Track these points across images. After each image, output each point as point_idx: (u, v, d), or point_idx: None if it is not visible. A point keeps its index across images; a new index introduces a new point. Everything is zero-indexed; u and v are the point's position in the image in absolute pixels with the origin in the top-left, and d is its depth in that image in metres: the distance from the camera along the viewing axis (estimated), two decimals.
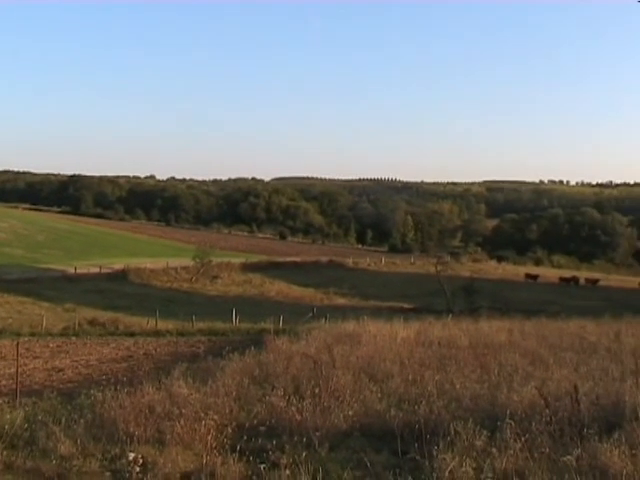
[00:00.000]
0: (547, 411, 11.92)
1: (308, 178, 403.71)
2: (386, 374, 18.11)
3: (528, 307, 67.82)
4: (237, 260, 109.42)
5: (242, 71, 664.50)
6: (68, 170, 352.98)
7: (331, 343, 23.83)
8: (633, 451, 9.82)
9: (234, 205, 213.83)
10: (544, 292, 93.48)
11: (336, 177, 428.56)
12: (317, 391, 14.58)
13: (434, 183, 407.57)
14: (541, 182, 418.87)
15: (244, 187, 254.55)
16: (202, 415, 12.65)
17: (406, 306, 72.26)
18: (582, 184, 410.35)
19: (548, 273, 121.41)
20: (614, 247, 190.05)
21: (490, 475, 9.16)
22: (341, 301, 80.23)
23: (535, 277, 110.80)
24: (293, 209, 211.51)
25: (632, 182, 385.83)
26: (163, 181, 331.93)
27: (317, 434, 11.85)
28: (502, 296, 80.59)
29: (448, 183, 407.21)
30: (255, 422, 13.00)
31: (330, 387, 15.13)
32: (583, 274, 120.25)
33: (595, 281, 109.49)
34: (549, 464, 9.74)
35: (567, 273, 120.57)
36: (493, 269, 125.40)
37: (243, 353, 23.29)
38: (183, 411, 13.07)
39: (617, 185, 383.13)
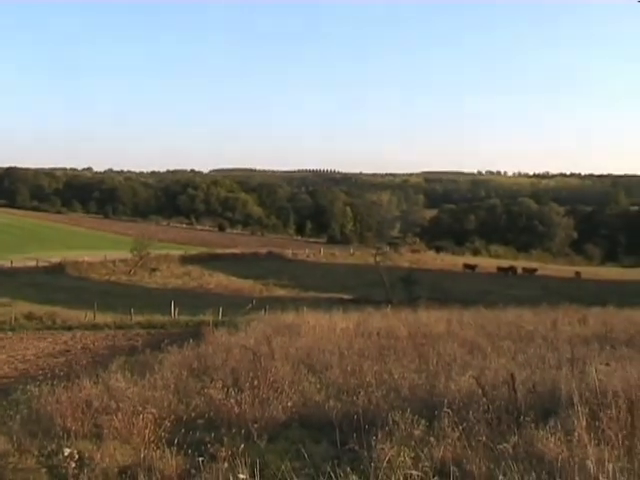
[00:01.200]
0: (484, 400, 12.02)
1: (247, 170, 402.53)
2: (325, 365, 18.12)
3: (466, 297, 68.48)
4: (176, 252, 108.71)
5: (180, 63, 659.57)
6: (3, 163, 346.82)
7: (270, 334, 23.79)
8: (568, 437, 9.94)
9: (172, 197, 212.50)
10: (482, 282, 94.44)
11: (275, 168, 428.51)
12: (256, 383, 14.51)
13: (373, 174, 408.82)
14: (479, 173, 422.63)
15: (182, 179, 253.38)
16: (140, 409, 12.55)
17: (345, 297, 72.38)
18: (519, 175, 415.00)
19: (486, 263, 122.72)
20: (551, 237, 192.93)
21: (428, 464, 9.19)
22: (280, 292, 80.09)
23: (473, 267, 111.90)
24: (232, 201, 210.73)
25: (568, 173, 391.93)
26: (100, 173, 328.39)
27: (256, 426, 11.83)
28: (441, 286, 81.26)
29: (387, 174, 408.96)
30: (193, 415, 12.93)
31: (269, 379, 15.08)
32: (520, 264, 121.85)
33: (532, 270, 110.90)
34: (486, 452, 9.82)
35: (505, 263, 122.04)
36: (432, 259, 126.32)
37: (182, 346, 23.16)
38: (121, 405, 12.97)
39: (553, 176, 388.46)
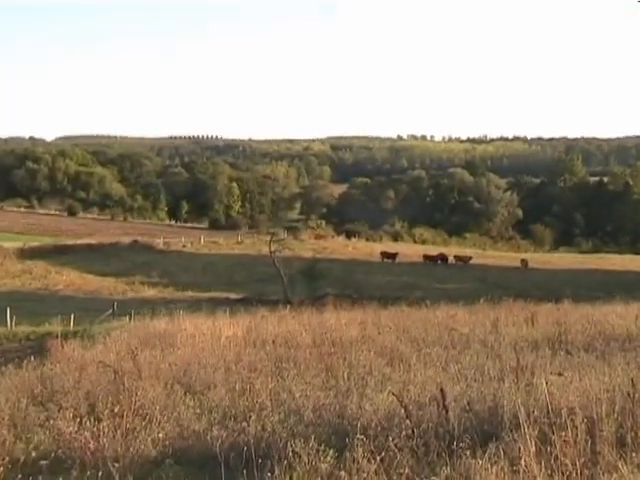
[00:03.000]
0: (408, 422, 12.09)
1: (104, 136, 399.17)
2: (207, 384, 18.07)
3: (385, 293, 69.21)
4: (12, 244, 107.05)
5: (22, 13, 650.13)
6: None
7: (136, 347, 23.58)
8: (514, 467, 10.06)
9: (6, 173, 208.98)
10: (405, 274, 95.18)
11: (141, 135, 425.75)
12: (118, 410, 14.39)
13: (265, 141, 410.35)
14: (399, 138, 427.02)
15: (19, 149, 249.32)
16: None
17: (233, 296, 72.47)
18: (450, 139, 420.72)
19: (409, 250, 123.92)
20: (490, 217, 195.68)
21: None
22: (150, 292, 79.75)
23: (393, 256, 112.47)
24: (85, 177, 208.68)
25: (511, 136, 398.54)
26: None
27: (117, 465, 11.72)
28: (353, 280, 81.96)
29: (283, 140, 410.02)
30: (35, 455, 12.74)
31: (134, 404, 15.00)
32: (452, 251, 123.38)
33: (467, 259, 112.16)
34: None
35: (433, 250, 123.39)
36: (341, 247, 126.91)
37: (20, 365, 22.73)
38: None
39: (492, 140, 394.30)
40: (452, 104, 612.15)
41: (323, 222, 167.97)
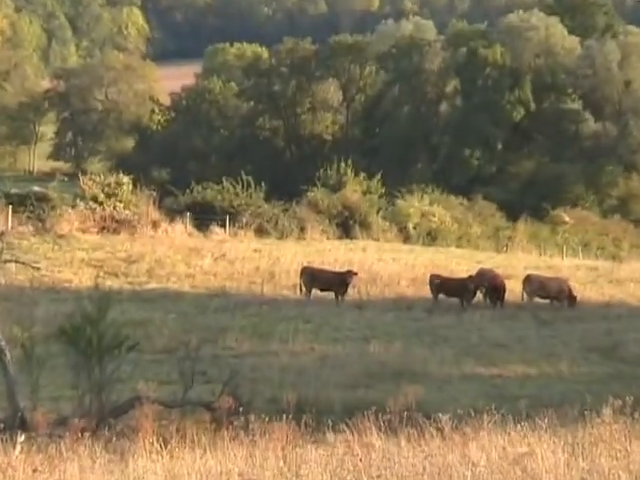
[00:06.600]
0: None
1: None
2: None
3: (317, 392, 55.94)
4: None
5: None
6: None
7: None
8: None
9: None
10: (377, 332, 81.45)
11: None
12: None
13: None
14: None
15: None
16: None
17: None
18: None
19: (390, 264, 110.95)
20: (629, 159, 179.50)
21: None
22: None
23: (343, 280, 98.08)
24: None
25: None
26: None
27: None
28: (222, 356, 66.48)
29: None
30: None
31: None
32: (518, 263, 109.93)
33: (568, 290, 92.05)
34: None
35: (458, 261, 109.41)
36: (186, 256, 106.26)
37: None
38: None
39: None
40: None
41: (126, 179, 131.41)
